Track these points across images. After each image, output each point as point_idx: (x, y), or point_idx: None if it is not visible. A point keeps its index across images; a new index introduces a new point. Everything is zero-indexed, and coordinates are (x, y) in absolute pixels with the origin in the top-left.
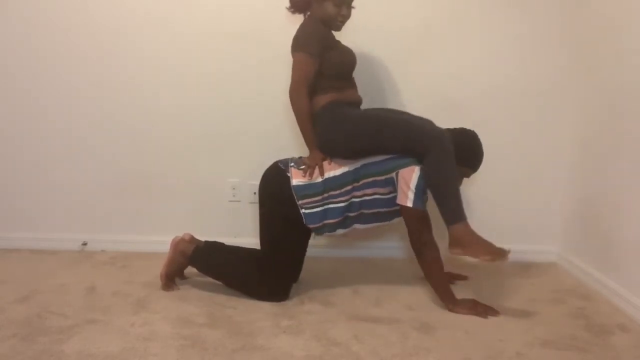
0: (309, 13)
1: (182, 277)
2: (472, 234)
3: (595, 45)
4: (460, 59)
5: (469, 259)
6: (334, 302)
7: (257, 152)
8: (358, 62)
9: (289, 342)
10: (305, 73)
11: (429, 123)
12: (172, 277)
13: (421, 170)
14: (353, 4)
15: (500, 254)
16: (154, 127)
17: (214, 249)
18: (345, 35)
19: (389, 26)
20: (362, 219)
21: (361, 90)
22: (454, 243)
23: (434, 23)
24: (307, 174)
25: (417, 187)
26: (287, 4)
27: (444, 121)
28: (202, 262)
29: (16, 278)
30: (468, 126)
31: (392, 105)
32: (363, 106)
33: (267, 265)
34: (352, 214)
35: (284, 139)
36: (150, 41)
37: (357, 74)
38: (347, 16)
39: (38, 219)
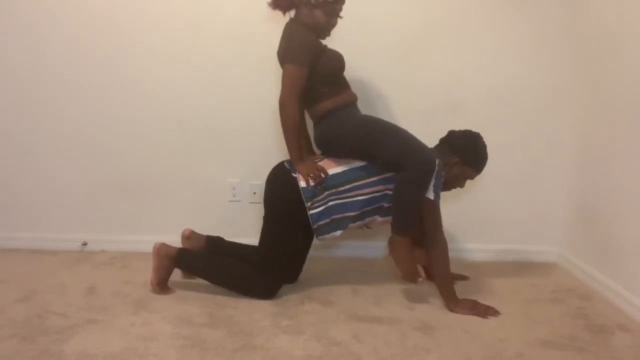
0: (292, 16)
1: (193, 277)
2: (406, 249)
3: (596, 46)
4: (461, 59)
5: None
6: (333, 302)
7: (257, 152)
8: (359, 63)
9: (289, 342)
10: (297, 85)
11: (426, 147)
12: (164, 283)
13: (438, 166)
14: (341, 13)
15: (411, 278)
16: (154, 127)
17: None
18: (346, 35)
19: (391, 27)
20: (382, 211)
21: (362, 91)
22: (390, 244)
23: (435, 23)
24: (311, 180)
25: (436, 181)
26: None
27: (445, 121)
28: (187, 262)
29: (16, 278)
30: (468, 126)
31: (394, 105)
32: (362, 106)
33: (267, 265)
34: (369, 208)
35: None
36: (150, 41)
37: (358, 75)
38: (335, 25)
39: (38, 219)
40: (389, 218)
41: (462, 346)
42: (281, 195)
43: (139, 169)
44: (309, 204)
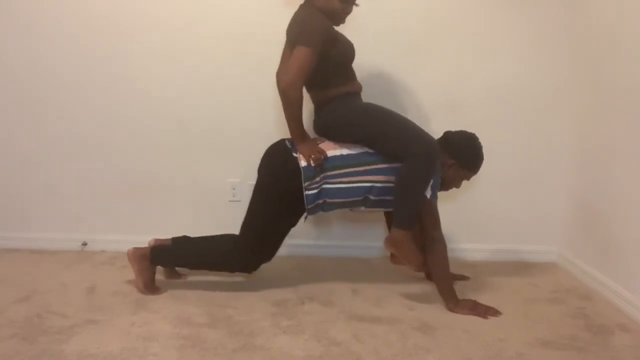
0: None
1: (178, 277)
2: (410, 242)
3: (596, 46)
4: (461, 59)
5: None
6: (334, 302)
7: (257, 152)
8: (360, 62)
9: (289, 342)
10: (307, 68)
11: (429, 135)
12: (151, 285)
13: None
14: (357, 1)
15: (421, 267)
16: (154, 127)
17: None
18: (347, 35)
19: (391, 26)
20: (368, 202)
21: (363, 90)
22: (391, 243)
23: (435, 23)
24: (312, 161)
25: (433, 181)
26: None
27: (445, 121)
28: (163, 254)
29: (16, 278)
30: (468, 126)
31: (394, 105)
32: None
33: (252, 240)
34: (357, 199)
35: None
36: (150, 41)
37: (359, 74)
38: (350, 12)
39: (38, 219)
40: (373, 210)
41: (462, 346)
42: (280, 175)
43: (139, 169)
44: (306, 183)
